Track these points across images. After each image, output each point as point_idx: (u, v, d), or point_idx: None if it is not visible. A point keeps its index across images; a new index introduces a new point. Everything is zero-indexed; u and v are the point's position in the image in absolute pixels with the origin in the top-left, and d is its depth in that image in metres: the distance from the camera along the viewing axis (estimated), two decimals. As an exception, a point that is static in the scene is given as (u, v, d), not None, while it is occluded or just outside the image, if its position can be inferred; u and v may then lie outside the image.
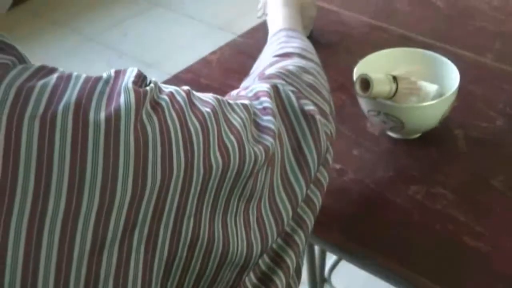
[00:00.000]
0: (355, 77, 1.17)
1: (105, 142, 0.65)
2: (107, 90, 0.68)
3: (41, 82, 0.67)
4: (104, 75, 0.70)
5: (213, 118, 0.74)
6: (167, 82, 1.38)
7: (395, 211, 1.10)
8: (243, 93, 0.92)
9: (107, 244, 0.65)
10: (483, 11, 1.58)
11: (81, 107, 0.65)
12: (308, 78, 0.98)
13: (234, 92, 0.94)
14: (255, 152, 0.78)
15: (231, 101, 0.81)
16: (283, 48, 1.07)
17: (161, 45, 3.44)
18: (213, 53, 1.50)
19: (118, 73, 0.71)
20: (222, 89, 1.35)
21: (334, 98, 1.06)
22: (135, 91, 0.68)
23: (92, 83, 0.68)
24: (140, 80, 0.71)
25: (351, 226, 1.09)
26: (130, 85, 0.68)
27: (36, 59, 0.74)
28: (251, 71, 1.07)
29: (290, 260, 0.88)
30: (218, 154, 0.73)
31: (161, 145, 0.67)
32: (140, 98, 0.68)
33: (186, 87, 0.76)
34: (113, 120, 0.65)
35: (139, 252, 0.67)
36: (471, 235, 1.04)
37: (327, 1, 1.64)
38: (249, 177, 0.78)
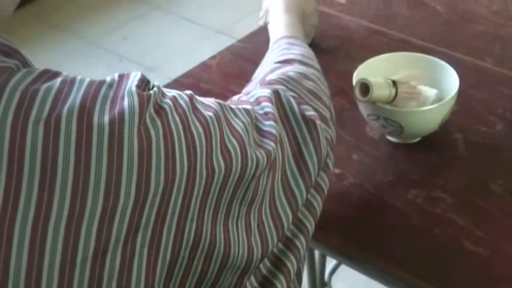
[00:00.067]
0: (354, 81, 1.17)
1: (109, 145, 0.65)
2: (111, 93, 0.68)
3: (45, 86, 0.67)
4: (108, 79, 0.70)
5: (215, 122, 0.75)
6: (167, 86, 1.38)
7: (395, 215, 1.10)
8: (244, 98, 0.92)
9: (110, 248, 0.65)
10: (483, 16, 1.58)
11: (85, 111, 0.66)
12: (308, 84, 0.98)
13: (235, 97, 0.95)
14: (257, 156, 0.78)
15: (233, 106, 0.82)
16: (284, 54, 1.07)
17: (161, 49, 3.44)
18: (213, 57, 1.50)
19: (121, 77, 0.71)
20: (222, 94, 1.35)
21: (333, 102, 1.07)
22: (139, 95, 0.68)
23: (96, 87, 0.69)
24: (144, 84, 0.71)
25: (350, 230, 1.09)
26: (133, 88, 0.69)
27: (36, 63, 0.75)
28: (253, 77, 1.07)
29: (291, 264, 0.89)
30: (220, 158, 0.73)
31: (165, 149, 0.68)
32: (143, 102, 0.68)
33: (188, 92, 0.76)
34: (117, 124, 0.66)
35: (142, 255, 0.67)
36: (470, 239, 1.04)
37: (327, 5, 1.64)
38: (251, 181, 0.78)
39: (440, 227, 1.07)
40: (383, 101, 1.14)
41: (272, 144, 0.82)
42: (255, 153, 0.78)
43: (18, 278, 0.63)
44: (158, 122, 0.69)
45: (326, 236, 1.08)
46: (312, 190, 0.93)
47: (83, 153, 0.64)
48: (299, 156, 0.89)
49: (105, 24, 3.66)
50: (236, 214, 0.79)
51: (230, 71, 1.45)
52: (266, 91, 0.91)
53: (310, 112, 0.92)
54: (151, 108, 0.69)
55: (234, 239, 0.78)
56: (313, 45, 1.45)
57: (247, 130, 0.79)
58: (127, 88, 0.69)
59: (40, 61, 0.74)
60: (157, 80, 0.75)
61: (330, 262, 1.90)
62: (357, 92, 1.13)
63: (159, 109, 0.70)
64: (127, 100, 0.68)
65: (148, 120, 0.68)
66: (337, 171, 1.17)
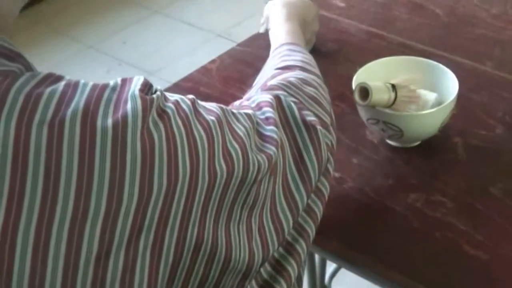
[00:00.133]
0: (354, 85, 1.17)
1: (112, 148, 0.65)
2: (114, 97, 0.69)
3: (49, 89, 0.68)
4: (111, 82, 0.71)
5: (217, 126, 0.75)
6: (167, 90, 1.37)
7: (395, 219, 1.10)
8: (246, 103, 0.93)
9: (113, 249, 0.65)
10: (482, 19, 1.58)
11: (88, 114, 0.66)
12: (309, 90, 0.98)
13: (237, 103, 0.95)
14: (258, 161, 0.78)
15: (234, 111, 0.82)
16: (285, 61, 1.07)
17: (161, 53, 3.44)
18: (213, 61, 1.50)
19: (124, 81, 0.72)
20: (222, 98, 1.35)
21: (333, 106, 1.07)
22: (142, 99, 0.69)
23: (99, 91, 0.69)
24: (147, 88, 0.72)
25: (350, 234, 1.09)
26: (137, 92, 0.69)
27: (35, 67, 0.75)
28: (254, 83, 1.07)
29: (292, 268, 0.89)
30: (222, 161, 0.74)
31: (167, 152, 0.68)
32: (146, 106, 0.68)
33: (191, 96, 0.77)
34: (120, 127, 0.66)
35: (144, 257, 0.68)
36: (470, 243, 1.04)
37: (327, 8, 1.64)
38: (252, 185, 0.79)
39: (440, 231, 1.07)
40: (382, 105, 1.14)
41: (273, 148, 0.83)
42: (256, 157, 0.79)
43: (21, 280, 0.63)
44: (161, 126, 0.69)
45: (326, 240, 1.08)
46: (312, 195, 0.93)
47: (87, 156, 0.65)
48: (299, 161, 0.89)
49: (105, 28, 3.66)
50: (237, 218, 0.79)
51: (229, 75, 1.45)
52: (267, 96, 0.92)
53: (311, 118, 0.92)
54: (154, 112, 0.69)
55: (236, 243, 0.78)
56: (313, 49, 1.45)
57: (248, 134, 0.80)
58: (130, 92, 0.70)
59: (39, 65, 0.74)
60: (157, 84, 0.75)
61: (330, 266, 1.90)
62: (356, 96, 1.13)
63: (162, 113, 0.70)
64: (130, 104, 0.68)
65: (151, 123, 0.68)
66: (337, 175, 1.17)
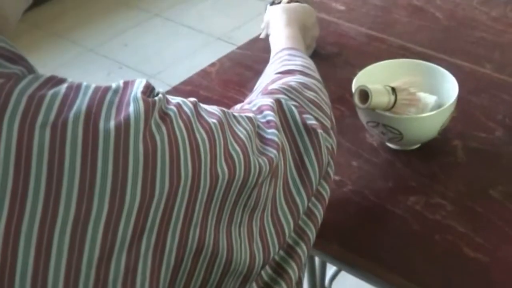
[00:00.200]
0: (354, 88, 1.17)
1: (115, 150, 0.66)
2: (116, 99, 0.69)
3: (51, 91, 0.68)
4: (113, 85, 0.71)
5: (219, 129, 0.75)
6: (166, 93, 1.38)
7: (395, 222, 1.10)
8: (247, 107, 0.93)
9: (115, 251, 0.66)
10: (482, 22, 1.58)
11: (91, 116, 0.66)
12: (310, 94, 0.99)
13: (237, 106, 0.96)
14: (259, 163, 0.79)
15: (236, 114, 0.83)
16: (285, 65, 1.08)
17: (161, 56, 3.45)
18: (212, 64, 1.50)
19: (126, 83, 0.72)
20: (221, 101, 1.35)
21: (333, 109, 1.07)
22: (144, 101, 0.69)
23: (101, 93, 0.69)
24: (149, 90, 0.72)
25: (350, 237, 1.09)
26: (139, 95, 0.70)
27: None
28: (254, 88, 1.07)
29: (293, 271, 0.89)
30: (224, 164, 0.74)
31: (169, 154, 0.69)
32: (149, 108, 0.69)
33: (193, 99, 0.77)
34: (122, 129, 0.66)
35: (146, 259, 0.68)
36: (470, 246, 1.04)
37: (327, 12, 1.64)
38: (253, 188, 0.79)
39: (439, 233, 1.07)
40: (382, 108, 1.14)
41: (275, 151, 0.83)
42: (258, 160, 0.79)
43: (24, 282, 0.63)
44: (163, 128, 0.69)
45: (326, 243, 1.08)
46: (313, 199, 0.93)
47: (89, 157, 0.65)
48: (300, 165, 0.89)
49: (105, 32, 3.67)
50: (238, 221, 0.79)
51: (229, 78, 1.45)
52: (268, 100, 0.92)
53: (312, 121, 0.93)
54: (156, 114, 0.70)
55: (237, 245, 0.78)
56: (313, 52, 1.45)
57: (250, 137, 0.80)
58: (132, 94, 0.70)
59: (40, 68, 0.74)
60: (157, 87, 0.75)
61: (330, 269, 1.90)
62: (356, 99, 1.13)
63: (164, 116, 0.71)
64: (133, 106, 0.68)
65: (153, 126, 0.69)
66: (336, 178, 1.17)
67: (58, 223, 0.64)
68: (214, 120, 0.76)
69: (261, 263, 0.82)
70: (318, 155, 0.91)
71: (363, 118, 1.20)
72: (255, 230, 0.82)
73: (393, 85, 1.15)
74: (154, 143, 0.68)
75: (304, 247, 0.91)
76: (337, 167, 1.05)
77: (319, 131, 0.92)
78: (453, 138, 1.24)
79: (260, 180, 0.80)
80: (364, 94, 1.12)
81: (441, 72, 1.24)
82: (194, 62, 3.02)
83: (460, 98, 1.18)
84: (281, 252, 0.89)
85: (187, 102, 0.75)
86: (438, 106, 1.20)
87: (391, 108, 1.14)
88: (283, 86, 0.98)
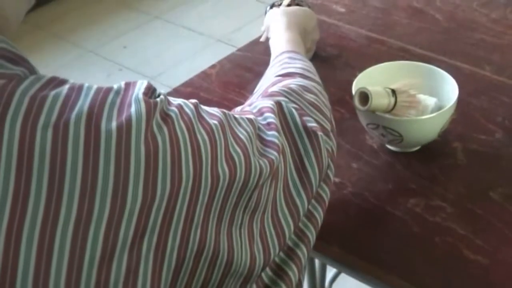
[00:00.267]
0: (354, 90, 1.17)
1: (117, 151, 0.66)
2: (118, 100, 0.69)
3: (53, 92, 0.68)
4: (115, 86, 0.72)
5: (220, 130, 0.76)
6: (167, 95, 1.38)
7: (395, 224, 1.10)
8: (247, 109, 0.93)
9: (117, 251, 0.66)
10: (482, 24, 1.58)
11: (93, 117, 0.67)
12: (310, 96, 0.99)
13: (238, 108, 0.96)
14: (260, 165, 0.79)
15: (236, 115, 0.83)
16: (285, 68, 1.08)
17: (161, 58, 3.45)
18: (213, 66, 1.50)
19: (128, 84, 0.72)
20: (221, 103, 1.35)
21: (333, 111, 1.07)
22: (146, 102, 0.69)
23: (103, 94, 0.70)
24: (150, 92, 0.72)
25: (350, 239, 1.09)
26: (140, 96, 0.70)
27: (36, 72, 0.75)
28: (254, 90, 1.07)
29: (293, 273, 0.89)
30: (225, 165, 0.74)
31: (171, 155, 0.69)
32: (150, 109, 0.69)
33: (193, 100, 0.77)
34: (124, 130, 0.67)
35: (148, 260, 0.68)
36: (470, 248, 1.04)
37: (327, 14, 1.65)
38: (254, 189, 0.79)
39: (439, 235, 1.07)
40: (382, 110, 1.14)
41: (275, 153, 0.83)
42: (258, 161, 0.79)
43: (26, 281, 0.64)
44: (165, 129, 0.70)
45: (326, 245, 1.08)
46: (313, 201, 0.93)
47: (91, 158, 0.65)
48: (300, 167, 0.90)
49: (105, 33, 3.67)
50: (239, 222, 0.79)
51: (229, 80, 1.45)
52: (269, 102, 0.92)
53: (312, 124, 0.93)
54: (157, 115, 0.70)
55: (237, 247, 0.78)
56: (313, 54, 1.45)
57: (250, 139, 0.80)
58: (134, 96, 0.70)
59: (40, 70, 0.75)
60: (157, 89, 0.75)
61: (330, 271, 1.90)
62: (356, 101, 1.13)
63: (166, 117, 0.71)
64: (134, 107, 0.69)
65: (155, 127, 0.69)
66: (336, 180, 1.17)
67: (60, 224, 0.64)
68: (215, 122, 0.76)
69: (261, 264, 0.82)
70: (318, 158, 0.91)
71: (363, 120, 1.20)
72: (256, 232, 0.82)
73: (393, 87, 1.15)
74: (155, 144, 0.68)
75: (304, 249, 0.91)
76: (337, 169, 1.05)
77: (319, 133, 0.92)
78: (453, 140, 1.24)
79: (260, 182, 0.80)
80: (364, 96, 1.12)
81: (441, 74, 1.24)
82: (194, 64, 3.02)
83: (460, 100, 1.18)
84: (281, 254, 0.89)
85: (188, 104, 0.75)
86: (438, 108, 1.20)
87: (391, 110, 1.14)
88: (284, 88, 0.98)
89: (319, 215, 0.94)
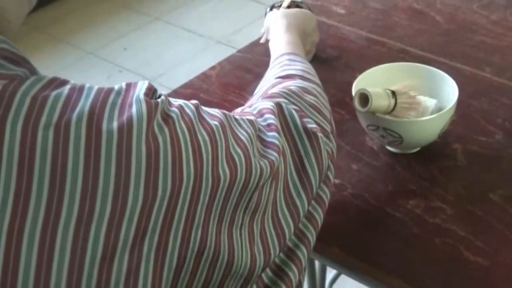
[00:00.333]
0: (354, 91, 1.17)
1: (118, 151, 0.66)
2: (119, 101, 0.70)
3: (54, 93, 0.68)
4: (116, 87, 0.72)
5: (221, 131, 0.76)
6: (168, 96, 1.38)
7: (395, 225, 1.10)
8: (247, 110, 0.94)
9: (118, 251, 0.66)
10: (482, 25, 1.58)
11: (94, 117, 0.67)
12: (310, 98, 0.99)
13: (238, 110, 0.96)
14: (260, 166, 0.79)
15: (237, 116, 0.83)
16: (285, 70, 1.08)
17: (161, 60, 3.45)
18: (213, 68, 1.50)
19: (129, 85, 0.73)
20: (221, 104, 1.35)
21: (333, 112, 1.07)
22: (147, 102, 0.70)
23: (104, 95, 0.70)
24: (151, 92, 0.73)
25: (350, 241, 1.09)
26: (141, 96, 0.70)
27: (36, 74, 0.75)
28: (254, 92, 1.08)
29: (293, 274, 0.90)
30: (226, 166, 0.74)
31: (172, 156, 0.69)
32: (151, 109, 0.69)
33: (194, 101, 0.78)
34: (125, 130, 0.67)
35: (149, 260, 0.68)
36: (470, 250, 1.04)
37: (327, 15, 1.65)
38: (254, 190, 0.79)
39: (439, 237, 1.07)
40: (382, 111, 1.14)
41: (275, 154, 0.83)
42: (259, 162, 0.79)
43: (27, 281, 0.64)
44: (166, 130, 0.70)
45: (326, 246, 1.08)
46: (313, 202, 0.93)
47: (92, 158, 0.65)
48: (301, 168, 0.90)
49: (105, 35, 3.67)
50: (239, 222, 0.79)
51: (229, 82, 1.45)
52: (269, 104, 0.92)
53: (312, 125, 0.93)
54: (158, 116, 0.70)
55: (238, 247, 0.78)
56: (313, 56, 1.45)
57: (251, 140, 0.81)
58: (135, 96, 0.70)
59: (40, 71, 0.75)
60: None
61: (330, 272, 1.90)
62: (356, 102, 1.13)
63: (167, 117, 0.71)
64: (135, 107, 0.69)
65: (156, 127, 0.69)
66: (336, 181, 1.17)
67: (61, 224, 0.64)
68: (216, 122, 0.76)
69: (261, 265, 0.82)
70: (318, 159, 0.91)
71: (363, 121, 1.20)
72: (256, 233, 0.82)
73: (393, 88, 1.15)
74: (156, 144, 0.68)
75: (305, 250, 0.92)
76: (337, 170, 1.05)
77: (319, 134, 0.92)
78: (453, 142, 1.24)
79: (261, 183, 0.80)
80: (364, 98, 1.12)
81: (441, 76, 1.24)
82: (194, 66, 3.02)
83: (460, 101, 1.18)
84: (282, 255, 0.90)
85: (189, 104, 0.76)
86: (438, 109, 1.20)
87: (391, 111, 1.14)
88: (284, 90, 0.98)
89: (319, 216, 0.94)
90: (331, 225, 1.07)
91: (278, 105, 0.93)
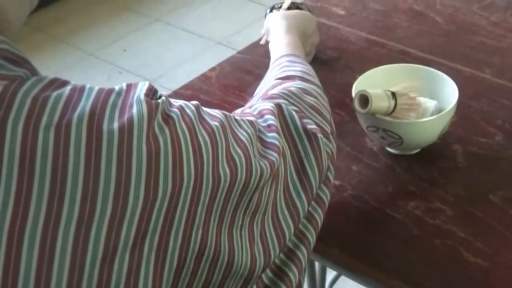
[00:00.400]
0: (354, 93, 1.17)
1: (118, 151, 0.66)
2: (120, 102, 0.70)
3: (55, 93, 0.69)
4: (116, 87, 0.72)
5: (221, 132, 0.76)
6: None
7: (395, 227, 1.10)
8: (247, 111, 0.94)
9: (118, 252, 0.66)
10: (482, 27, 1.58)
11: (94, 118, 0.67)
12: (309, 99, 0.99)
13: (238, 111, 0.96)
14: (261, 166, 0.79)
15: (237, 117, 0.83)
16: (285, 71, 1.08)
17: (161, 61, 3.45)
18: (213, 69, 1.50)
19: (129, 86, 0.73)
20: (221, 105, 1.35)
21: (333, 114, 1.07)
22: (147, 103, 0.70)
23: (105, 95, 0.70)
24: (152, 93, 0.73)
25: (350, 242, 1.09)
26: (142, 97, 0.71)
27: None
28: (255, 93, 1.08)
29: (293, 274, 0.90)
30: (226, 166, 0.75)
31: (172, 156, 0.69)
32: (152, 110, 0.70)
33: (194, 102, 0.78)
34: (126, 130, 0.67)
35: (149, 260, 0.68)
36: (470, 251, 1.04)
37: (327, 16, 1.65)
38: (255, 191, 0.79)
39: (439, 238, 1.07)
40: (382, 112, 1.14)
41: (276, 155, 0.83)
42: (259, 163, 0.79)
43: (27, 282, 0.64)
44: (166, 130, 0.70)
45: (326, 248, 1.08)
46: (313, 203, 0.94)
47: (93, 158, 0.65)
48: (300, 169, 0.90)
49: (105, 36, 3.67)
50: (240, 223, 0.80)
51: (229, 83, 1.45)
52: (269, 105, 0.93)
53: (312, 126, 0.93)
54: (159, 116, 0.70)
55: (238, 248, 0.78)
56: (313, 57, 1.45)
57: (251, 140, 0.81)
58: (135, 97, 0.71)
59: (40, 72, 0.75)
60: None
61: (330, 273, 1.90)
62: (356, 103, 1.13)
63: (167, 118, 0.71)
64: (136, 108, 0.69)
65: (156, 127, 0.69)
66: (336, 182, 1.17)
67: (62, 224, 0.64)
68: (216, 123, 0.76)
69: (261, 266, 0.83)
70: (318, 160, 0.91)
71: (363, 122, 1.20)
72: (256, 233, 0.82)
73: (393, 89, 1.15)
74: (157, 145, 0.68)
75: (305, 251, 0.92)
76: (337, 171, 1.05)
77: (319, 135, 0.92)
78: (453, 143, 1.24)
79: (261, 183, 0.80)
80: (364, 99, 1.12)
81: (441, 77, 1.24)
82: (194, 67, 3.02)
83: (460, 103, 1.18)
84: (282, 256, 0.90)
85: (190, 105, 0.76)
86: (438, 111, 1.20)
87: (391, 113, 1.14)
88: (283, 91, 0.98)
89: (319, 217, 0.94)
90: (331, 226, 1.07)
91: (278, 106, 0.93)
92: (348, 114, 1.31)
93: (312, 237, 0.93)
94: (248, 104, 1.01)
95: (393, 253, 1.06)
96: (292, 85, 1.01)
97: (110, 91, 0.71)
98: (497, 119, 1.29)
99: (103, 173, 0.65)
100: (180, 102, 0.75)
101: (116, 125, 0.67)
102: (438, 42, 1.53)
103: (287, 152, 0.88)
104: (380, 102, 1.12)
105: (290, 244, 0.91)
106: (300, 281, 0.93)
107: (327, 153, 0.94)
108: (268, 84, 1.05)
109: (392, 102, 1.13)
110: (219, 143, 0.75)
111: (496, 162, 1.20)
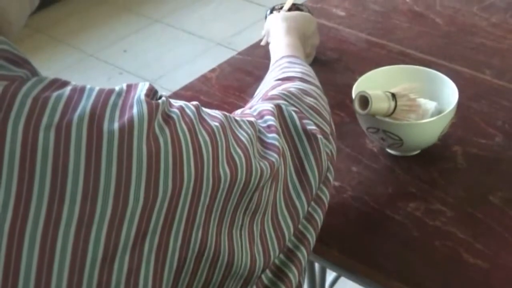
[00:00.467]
0: (354, 94, 1.17)
1: (119, 152, 0.66)
2: (120, 102, 0.70)
3: (55, 94, 0.69)
4: (117, 88, 0.72)
5: (221, 132, 0.76)
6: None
7: (394, 228, 1.10)
8: (247, 111, 0.94)
9: (118, 252, 0.66)
10: (482, 28, 1.58)
11: (95, 118, 0.67)
12: (309, 100, 0.99)
13: (238, 111, 0.96)
14: (261, 167, 0.79)
15: (237, 118, 0.84)
16: (285, 72, 1.08)
17: (161, 62, 3.45)
18: (213, 70, 1.50)
19: (130, 86, 0.73)
20: (221, 106, 1.35)
21: (333, 115, 1.07)
22: (148, 103, 0.70)
23: (105, 95, 0.70)
24: (152, 93, 0.73)
25: (350, 243, 1.09)
26: (142, 97, 0.71)
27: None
28: (255, 94, 1.08)
29: (293, 275, 0.90)
30: (226, 166, 0.75)
31: (173, 156, 0.69)
32: (152, 110, 0.70)
33: (195, 102, 0.78)
34: (126, 131, 0.67)
35: (149, 260, 0.68)
36: (470, 252, 1.04)
37: (327, 18, 1.65)
38: (255, 191, 0.80)
39: (439, 239, 1.07)
40: (382, 114, 1.14)
41: (276, 156, 0.84)
42: (259, 163, 0.80)
43: (28, 283, 0.64)
44: (167, 130, 0.70)
45: (326, 249, 1.08)
46: (313, 203, 0.94)
47: (93, 159, 0.66)
48: (300, 169, 0.90)
49: (106, 37, 3.67)
50: (240, 223, 0.80)
51: (229, 84, 1.45)
52: (269, 105, 0.93)
53: (312, 127, 0.93)
54: (159, 117, 0.70)
55: (238, 248, 0.79)
56: (313, 58, 1.45)
57: (251, 141, 0.81)
58: (136, 97, 0.71)
59: (41, 72, 0.75)
60: (157, 93, 0.76)
61: (330, 275, 1.90)
62: (356, 105, 1.13)
63: (167, 118, 0.71)
64: (136, 108, 0.69)
65: (156, 128, 0.69)
66: (336, 183, 1.17)
67: (62, 225, 0.64)
68: (216, 123, 0.76)
69: (261, 266, 0.83)
70: (318, 160, 0.91)
71: (363, 124, 1.20)
72: (256, 234, 0.82)
73: (393, 91, 1.15)
74: (157, 145, 0.68)
75: (304, 251, 0.92)
76: (337, 172, 1.05)
77: (319, 136, 0.93)
78: (453, 144, 1.24)
79: (261, 184, 0.80)
80: (364, 100, 1.12)
81: (441, 78, 1.24)
82: (194, 68, 3.02)
83: (460, 104, 1.18)
84: (282, 256, 0.90)
85: (190, 106, 0.76)
86: (438, 112, 1.20)
87: (391, 114, 1.14)
88: (283, 92, 0.98)
89: (319, 217, 0.95)
90: (331, 227, 1.07)
91: (278, 107, 0.93)
92: (348, 115, 1.31)
93: (312, 237, 0.93)
94: (248, 105, 1.01)
95: (393, 254, 1.06)
96: (292, 86, 1.01)
97: (111, 91, 0.71)
98: (497, 120, 1.29)
99: (104, 173, 0.66)
100: (180, 103, 0.76)
101: (116, 125, 0.67)
102: (438, 43, 1.53)
103: (287, 153, 0.89)
104: (380, 103, 1.13)
105: (290, 245, 0.91)
106: (300, 281, 0.93)
107: (327, 153, 0.94)
108: (268, 85, 1.05)
109: (392, 103, 1.13)
110: (219, 144, 0.75)
111: (496, 163, 1.20)
